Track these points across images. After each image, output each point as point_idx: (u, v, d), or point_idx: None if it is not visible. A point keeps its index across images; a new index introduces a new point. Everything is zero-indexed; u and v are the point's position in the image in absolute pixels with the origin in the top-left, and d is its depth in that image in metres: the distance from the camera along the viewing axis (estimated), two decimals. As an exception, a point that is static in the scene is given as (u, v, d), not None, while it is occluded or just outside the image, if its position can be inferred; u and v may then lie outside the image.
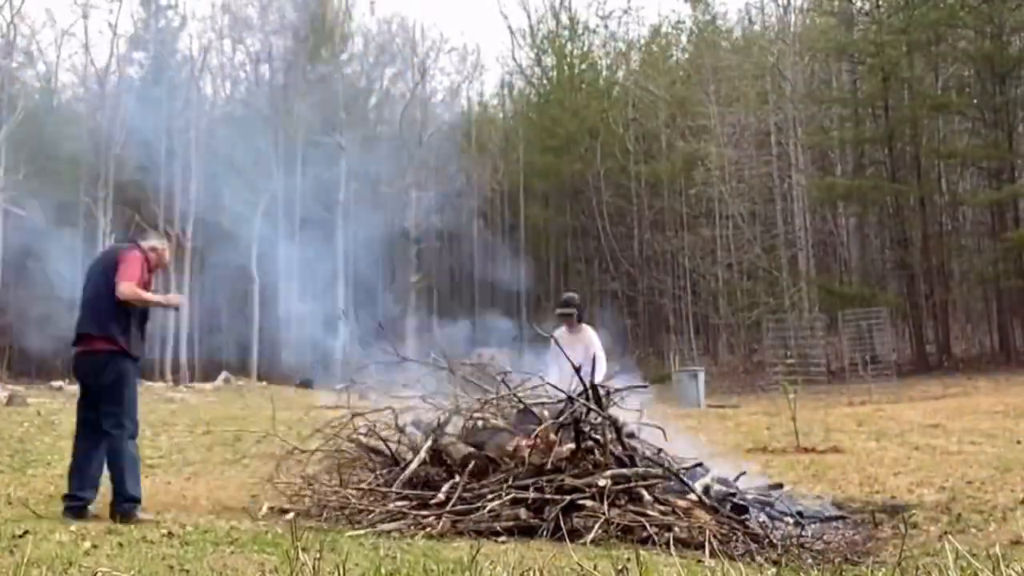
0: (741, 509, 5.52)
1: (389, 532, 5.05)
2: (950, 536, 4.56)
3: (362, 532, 4.98)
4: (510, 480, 5.42)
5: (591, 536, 4.87)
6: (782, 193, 31.80)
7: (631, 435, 5.94)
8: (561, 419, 5.61)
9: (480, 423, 6.22)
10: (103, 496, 5.37)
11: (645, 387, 7.00)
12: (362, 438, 6.58)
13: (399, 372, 7.14)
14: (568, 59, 42.16)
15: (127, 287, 5.26)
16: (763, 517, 5.60)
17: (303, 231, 37.95)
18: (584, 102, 40.38)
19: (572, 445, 5.50)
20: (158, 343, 37.80)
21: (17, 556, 3.79)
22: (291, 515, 5.56)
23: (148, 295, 5.49)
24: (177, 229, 36.16)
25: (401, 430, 6.48)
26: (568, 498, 5.20)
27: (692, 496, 5.42)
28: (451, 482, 5.55)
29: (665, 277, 37.38)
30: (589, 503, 5.17)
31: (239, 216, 34.04)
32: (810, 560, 4.83)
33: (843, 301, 26.71)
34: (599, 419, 5.56)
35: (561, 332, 7.15)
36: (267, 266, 34.57)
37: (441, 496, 5.39)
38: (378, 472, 6.19)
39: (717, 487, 5.82)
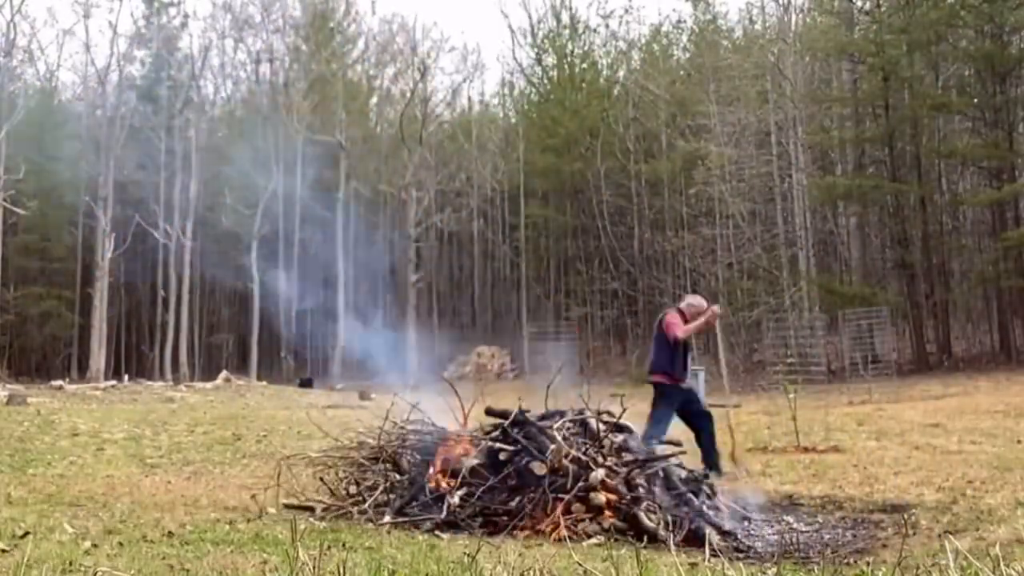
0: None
1: (391, 531, 5.05)
2: (950, 536, 4.56)
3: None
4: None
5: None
6: (782, 192, 31.77)
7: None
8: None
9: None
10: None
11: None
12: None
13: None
14: (569, 58, 42.14)
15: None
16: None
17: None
18: (584, 101, 40.34)
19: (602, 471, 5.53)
20: (158, 343, 37.81)
21: (17, 556, 3.79)
22: (304, 513, 5.55)
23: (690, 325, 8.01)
24: (176, 228, 36.15)
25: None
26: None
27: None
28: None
29: (665, 276, 37.34)
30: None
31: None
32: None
33: (843, 300, 26.68)
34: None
35: None
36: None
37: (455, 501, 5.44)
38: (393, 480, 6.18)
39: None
